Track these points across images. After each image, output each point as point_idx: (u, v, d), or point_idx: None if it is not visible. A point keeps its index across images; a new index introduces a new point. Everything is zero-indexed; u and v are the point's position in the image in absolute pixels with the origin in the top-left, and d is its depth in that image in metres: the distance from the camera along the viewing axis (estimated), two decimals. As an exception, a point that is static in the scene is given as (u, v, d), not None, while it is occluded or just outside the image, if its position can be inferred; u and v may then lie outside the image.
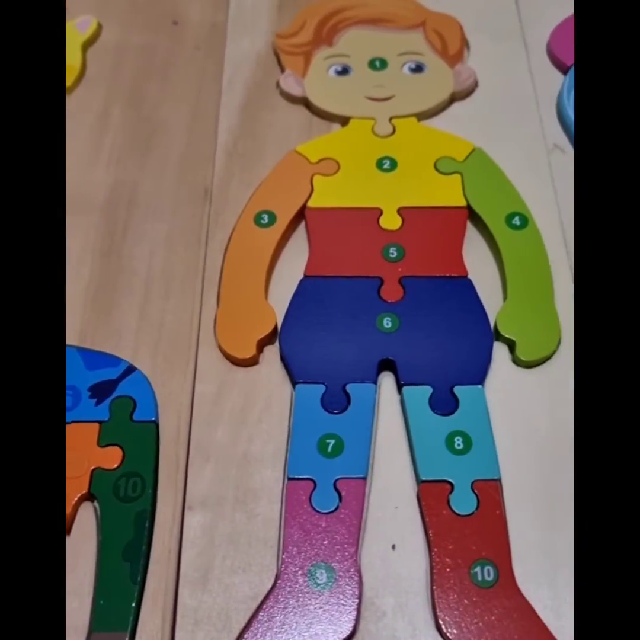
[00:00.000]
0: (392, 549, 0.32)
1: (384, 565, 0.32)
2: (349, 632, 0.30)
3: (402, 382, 0.35)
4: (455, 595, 0.31)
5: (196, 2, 0.50)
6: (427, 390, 0.35)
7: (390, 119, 0.43)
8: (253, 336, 0.36)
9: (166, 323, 0.38)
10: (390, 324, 0.37)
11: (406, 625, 0.31)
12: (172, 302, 0.38)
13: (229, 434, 0.35)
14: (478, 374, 0.35)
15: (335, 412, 0.35)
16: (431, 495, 0.33)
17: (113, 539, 0.32)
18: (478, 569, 0.31)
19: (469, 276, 0.38)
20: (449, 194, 0.40)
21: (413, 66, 0.45)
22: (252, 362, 0.36)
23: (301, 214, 0.40)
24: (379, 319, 0.37)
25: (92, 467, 0.34)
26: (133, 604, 0.31)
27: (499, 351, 0.36)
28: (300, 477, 0.33)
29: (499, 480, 0.33)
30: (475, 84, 0.45)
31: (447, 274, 0.38)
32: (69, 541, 0.32)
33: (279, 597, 0.31)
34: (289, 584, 0.31)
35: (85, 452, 0.34)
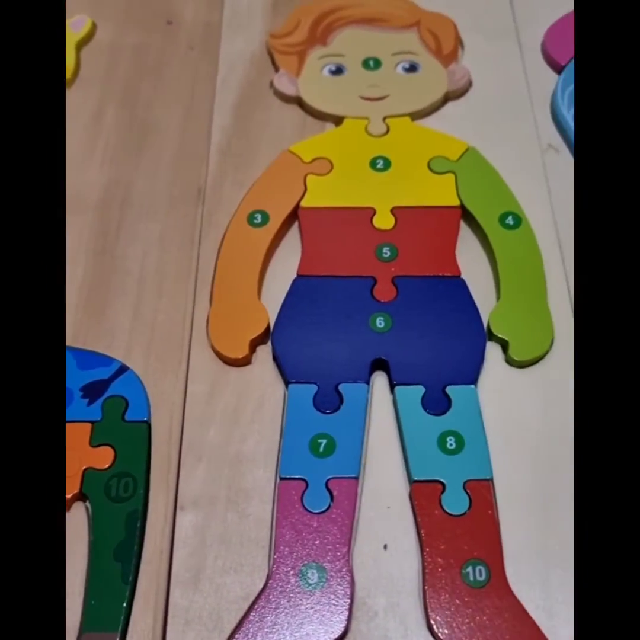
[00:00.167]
0: (384, 549, 0.32)
1: (375, 565, 0.32)
2: (340, 632, 0.30)
3: (395, 382, 0.35)
4: (447, 595, 0.31)
5: (190, 2, 0.50)
6: (420, 390, 0.35)
7: (384, 118, 0.43)
8: (246, 336, 0.36)
9: (159, 323, 0.38)
10: (383, 324, 0.37)
11: (398, 625, 0.31)
12: (165, 301, 0.38)
13: (221, 433, 0.35)
14: (471, 374, 0.35)
15: (328, 412, 0.35)
16: (423, 495, 0.33)
17: (104, 539, 0.32)
18: (470, 569, 0.31)
19: (463, 276, 0.38)
20: (442, 193, 0.40)
21: (407, 66, 0.45)
22: (245, 362, 0.36)
23: (294, 214, 0.40)
24: (372, 318, 0.37)
25: (84, 467, 0.33)
26: (124, 604, 0.31)
27: (492, 351, 0.36)
28: (292, 477, 0.33)
29: (491, 480, 0.33)
30: (469, 84, 0.45)
31: (440, 274, 0.38)
32: (60, 541, 0.32)
33: (271, 597, 0.31)
34: (280, 584, 0.31)
35: (77, 452, 0.34)
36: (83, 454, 0.34)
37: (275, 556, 0.32)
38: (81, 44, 0.48)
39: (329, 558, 0.32)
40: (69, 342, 0.37)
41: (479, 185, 0.41)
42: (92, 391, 0.35)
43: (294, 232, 0.40)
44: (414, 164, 0.41)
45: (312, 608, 0.31)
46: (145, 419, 0.35)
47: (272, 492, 0.33)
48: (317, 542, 0.32)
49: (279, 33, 0.47)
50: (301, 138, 0.43)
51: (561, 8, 0.47)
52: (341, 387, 0.35)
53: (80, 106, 0.45)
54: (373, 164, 0.42)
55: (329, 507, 0.32)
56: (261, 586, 0.31)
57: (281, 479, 0.33)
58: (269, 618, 0.31)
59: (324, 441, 0.34)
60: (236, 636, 0.30)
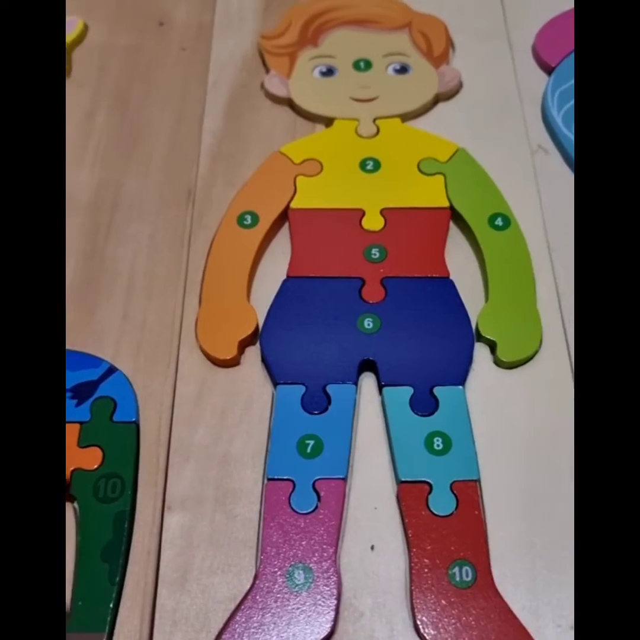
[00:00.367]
0: (371, 550, 0.32)
1: (362, 565, 0.32)
2: (327, 633, 0.30)
3: (383, 383, 0.35)
4: (433, 596, 0.31)
5: (182, 3, 0.50)
6: (408, 390, 0.35)
7: (374, 119, 0.43)
8: (234, 337, 0.36)
9: (148, 324, 0.38)
10: (371, 325, 0.37)
11: (384, 626, 0.31)
12: (154, 303, 0.38)
13: (210, 434, 0.35)
14: (458, 375, 0.35)
15: (316, 412, 0.35)
16: (410, 495, 0.33)
17: (92, 539, 0.32)
18: (456, 570, 0.31)
19: (452, 277, 0.38)
20: (432, 194, 0.40)
21: (398, 67, 0.45)
22: (233, 362, 0.36)
23: (284, 215, 0.40)
24: (360, 319, 0.37)
25: (72, 468, 0.33)
26: (111, 605, 0.31)
27: (481, 352, 0.36)
28: (280, 477, 0.33)
29: (478, 481, 0.33)
30: (460, 85, 0.45)
31: (429, 275, 0.38)
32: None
33: (257, 597, 0.31)
34: (267, 584, 0.31)
35: (65, 453, 0.34)
36: (71, 454, 0.34)
37: (262, 557, 0.32)
38: (73, 46, 0.48)
39: (315, 559, 0.32)
40: (58, 342, 0.37)
41: (468, 186, 0.41)
42: (81, 392, 0.35)
43: (283, 233, 0.40)
44: (404, 165, 0.41)
45: (298, 608, 0.31)
46: (133, 419, 0.35)
47: (260, 492, 0.33)
48: (304, 542, 0.32)
49: (270, 34, 0.47)
50: (292, 139, 0.43)
51: (551, 10, 0.47)
52: (329, 388, 0.35)
53: (71, 107, 0.45)
54: (363, 165, 0.42)
55: (316, 508, 0.33)
56: (248, 587, 0.31)
57: (269, 479, 0.33)
58: (255, 618, 0.31)
59: (311, 442, 0.34)
60: (223, 637, 0.30)
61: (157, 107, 0.45)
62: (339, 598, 0.31)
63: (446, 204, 0.40)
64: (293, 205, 0.40)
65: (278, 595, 0.31)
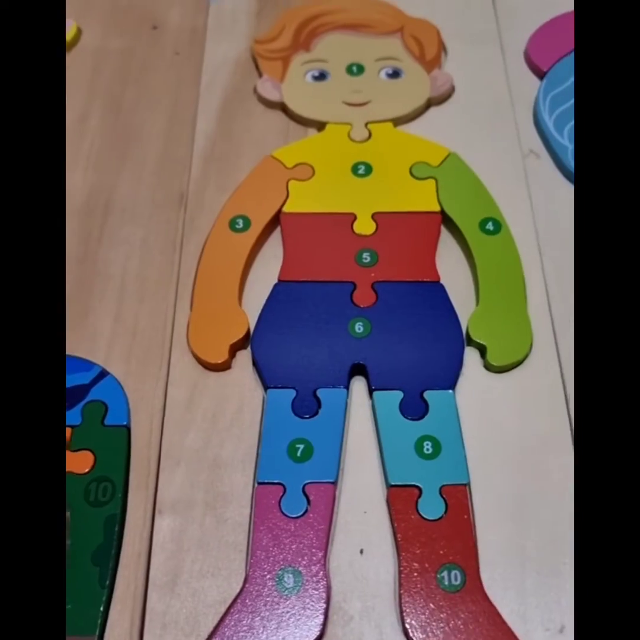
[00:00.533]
0: (360, 554, 0.32)
1: (351, 569, 0.32)
2: (316, 636, 0.30)
3: (373, 387, 0.35)
4: (422, 600, 0.31)
5: (176, 7, 0.50)
6: (398, 395, 0.35)
7: (366, 124, 0.43)
8: (225, 341, 0.36)
9: (140, 327, 0.38)
10: (362, 329, 0.37)
11: (373, 630, 0.31)
12: (146, 306, 0.39)
13: (201, 438, 0.35)
14: (448, 379, 0.35)
15: (306, 416, 0.35)
16: (400, 499, 0.33)
17: (82, 543, 0.32)
18: (445, 574, 0.31)
19: (443, 281, 0.38)
20: (423, 199, 0.41)
21: (390, 71, 0.45)
22: (224, 366, 0.36)
23: (276, 219, 0.41)
24: (351, 323, 0.37)
25: (63, 472, 0.34)
26: (101, 608, 0.31)
27: (471, 356, 0.37)
28: (270, 481, 0.33)
29: (468, 485, 0.33)
30: (452, 90, 0.45)
31: (420, 279, 0.38)
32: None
33: (247, 601, 0.31)
34: (256, 588, 0.31)
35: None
36: (62, 458, 0.34)
37: (251, 560, 0.32)
38: (66, 49, 0.48)
39: (305, 562, 0.32)
40: (50, 346, 0.37)
41: (459, 190, 0.41)
42: (72, 396, 0.36)
43: (275, 238, 0.41)
44: (396, 170, 0.42)
45: (288, 612, 0.31)
46: (124, 423, 0.35)
47: (250, 496, 0.33)
48: (293, 546, 0.32)
49: (263, 38, 0.47)
50: (284, 143, 0.44)
51: (544, 14, 0.47)
52: (319, 392, 0.35)
53: (64, 111, 0.45)
54: (355, 169, 0.42)
55: (305, 512, 0.33)
56: (238, 590, 0.32)
57: (259, 483, 0.33)
58: (245, 622, 0.31)
59: (301, 446, 0.34)
60: (212, 640, 0.31)
61: (150, 111, 0.46)
62: (328, 602, 0.31)
63: (437, 208, 0.40)
64: (285, 209, 0.41)
65: (267, 599, 0.31)
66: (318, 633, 0.30)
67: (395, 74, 0.45)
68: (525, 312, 0.37)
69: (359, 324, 0.37)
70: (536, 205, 0.41)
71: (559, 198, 0.41)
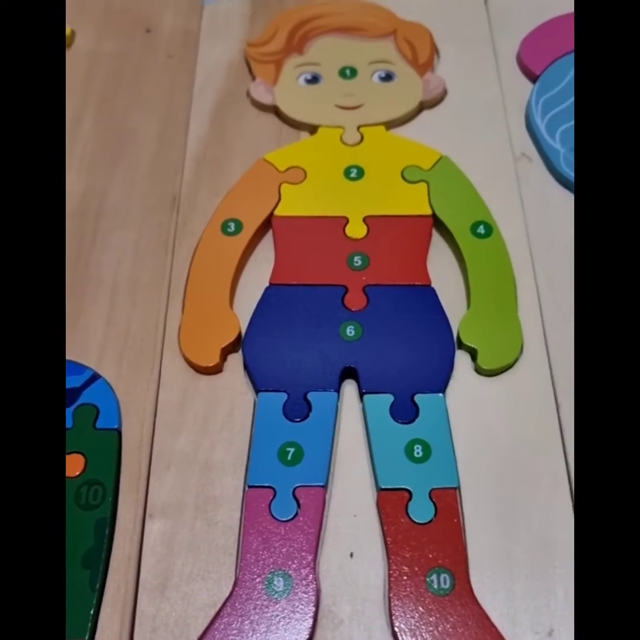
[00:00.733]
0: (350, 557, 0.32)
1: (341, 572, 0.32)
2: (305, 640, 0.31)
3: (364, 390, 0.35)
4: (412, 603, 0.31)
5: (169, 10, 0.50)
6: (388, 398, 0.35)
7: (359, 127, 0.43)
8: (216, 344, 0.36)
9: (131, 330, 0.38)
10: (353, 332, 0.37)
11: (362, 633, 0.31)
12: (138, 309, 0.39)
13: (192, 441, 0.35)
14: (439, 383, 0.36)
15: (297, 420, 0.35)
16: (389, 503, 0.33)
17: (73, 546, 0.32)
18: (434, 577, 0.31)
19: (434, 284, 0.38)
20: (414, 202, 0.41)
21: (383, 75, 0.45)
22: (216, 370, 0.36)
23: (268, 222, 0.41)
24: (342, 327, 0.37)
25: (54, 475, 0.34)
26: (91, 611, 0.31)
27: (461, 359, 0.37)
28: (260, 485, 0.33)
29: (457, 488, 0.33)
30: (444, 93, 0.45)
31: (411, 283, 0.38)
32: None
33: (237, 604, 0.31)
34: (246, 591, 0.31)
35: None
36: (53, 461, 0.34)
37: (241, 563, 0.32)
38: (60, 52, 0.48)
39: (295, 566, 0.32)
40: (42, 349, 0.37)
41: (451, 194, 0.41)
42: (64, 399, 0.36)
43: (267, 241, 0.41)
44: (387, 173, 0.42)
45: (277, 615, 0.31)
46: (115, 427, 0.35)
47: (241, 500, 0.34)
48: (283, 550, 0.32)
49: (257, 42, 0.47)
50: (277, 146, 0.44)
51: (537, 18, 0.47)
52: (310, 396, 0.35)
53: (57, 114, 0.45)
54: (347, 172, 0.42)
55: (296, 515, 0.33)
56: (228, 594, 0.32)
57: (249, 486, 0.33)
58: (234, 625, 0.31)
59: (292, 449, 0.34)
60: (202, 643, 0.31)
61: (143, 114, 0.46)
62: (317, 605, 0.31)
63: (429, 211, 0.40)
64: (277, 212, 0.41)
65: (257, 602, 0.31)
66: (307, 636, 0.31)
67: (388, 77, 0.45)
68: (516, 315, 0.37)
69: (350, 327, 0.37)
70: (528, 209, 0.41)
71: (551, 201, 0.41)
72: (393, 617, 0.31)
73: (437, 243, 0.40)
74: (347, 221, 0.40)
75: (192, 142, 0.44)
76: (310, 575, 0.32)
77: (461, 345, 0.37)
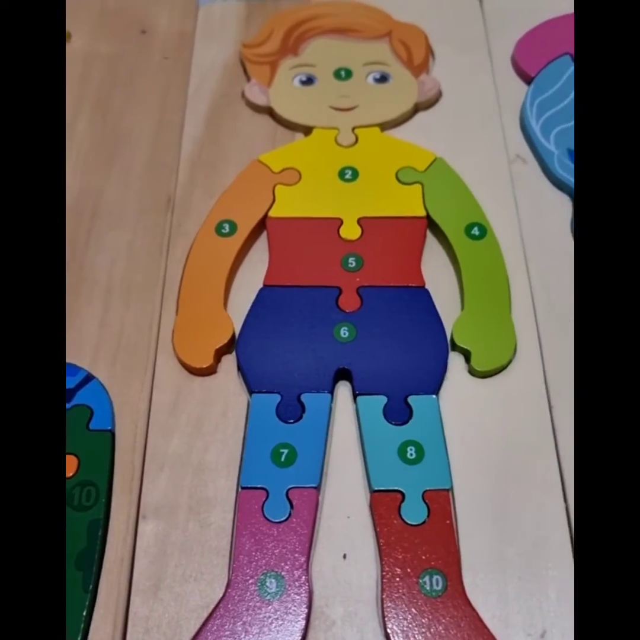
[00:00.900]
0: (343, 558, 0.32)
1: (334, 574, 0.32)
2: (297, 641, 0.31)
3: (357, 392, 0.35)
4: (404, 605, 0.31)
5: (164, 12, 0.50)
6: (382, 399, 0.35)
7: (354, 128, 0.43)
8: (210, 345, 0.36)
9: (125, 332, 0.38)
10: (347, 334, 0.37)
11: (355, 634, 0.31)
12: (131, 310, 0.39)
13: (185, 442, 0.35)
14: (432, 384, 0.36)
15: (290, 421, 0.35)
16: (382, 504, 0.33)
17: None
18: (427, 579, 0.31)
19: (428, 286, 0.38)
20: (409, 204, 0.41)
21: (378, 76, 0.45)
22: (209, 371, 0.36)
23: (262, 224, 0.41)
24: (336, 328, 0.37)
25: (47, 476, 0.34)
26: (84, 613, 0.31)
27: (455, 361, 0.37)
28: (253, 486, 0.33)
29: (450, 490, 0.33)
30: (439, 95, 0.45)
31: (405, 284, 0.38)
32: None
33: (229, 606, 0.31)
34: (239, 592, 0.31)
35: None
36: (46, 462, 0.34)
37: (234, 565, 0.32)
38: (55, 53, 0.48)
39: (287, 567, 0.32)
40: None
41: (445, 195, 0.41)
42: (57, 400, 0.36)
43: (262, 242, 0.41)
44: (382, 175, 0.42)
45: (270, 617, 0.31)
46: (109, 428, 0.35)
47: (234, 501, 0.34)
48: (276, 551, 0.32)
49: (252, 43, 0.47)
50: (272, 148, 0.44)
51: (532, 20, 0.47)
52: (304, 397, 0.35)
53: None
54: (341, 174, 0.42)
55: (289, 517, 0.33)
56: (221, 595, 0.32)
57: (242, 488, 0.33)
58: (227, 627, 0.31)
59: (285, 451, 0.34)
60: (194, 645, 0.31)
61: (138, 115, 0.46)
62: (310, 607, 0.31)
63: (423, 213, 0.40)
64: (271, 214, 0.41)
65: (250, 604, 0.31)
66: (300, 638, 0.31)
67: (382, 79, 0.45)
68: (510, 317, 0.37)
69: (344, 328, 0.37)
70: (522, 211, 0.41)
71: (545, 203, 0.41)
72: (385, 619, 0.31)
73: (432, 244, 0.40)
74: (342, 222, 0.40)
75: (186, 143, 0.44)
76: (303, 577, 0.32)
77: (455, 347, 0.37)
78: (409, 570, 0.32)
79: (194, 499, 0.34)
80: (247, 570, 0.32)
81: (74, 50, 0.48)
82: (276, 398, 0.35)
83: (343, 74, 0.46)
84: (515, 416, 0.35)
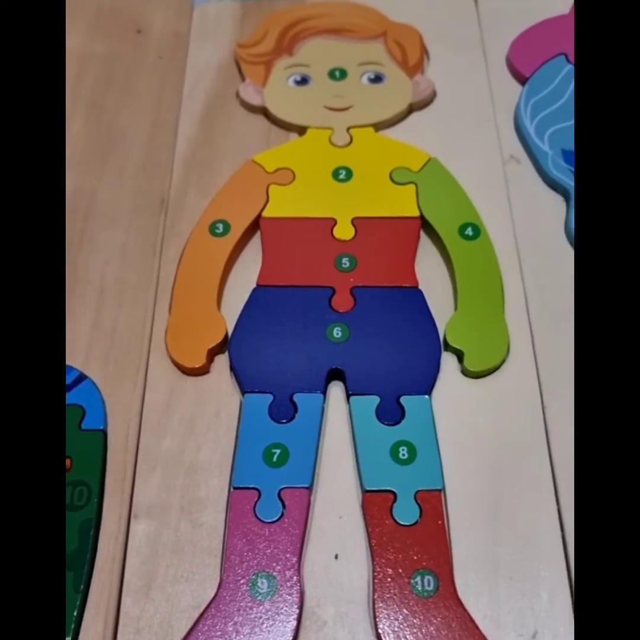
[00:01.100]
0: (335, 559, 0.32)
1: (326, 574, 0.32)
2: (289, 642, 0.31)
3: (350, 392, 0.35)
4: (396, 605, 0.31)
5: (160, 11, 0.50)
6: (374, 400, 0.35)
7: (348, 128, 0.43)
8: (203, 345, 0.36)
9: (118, 331, 0.38)
10: (340, 334, 0.37)
11: (346, 635, 0.31)
12: (125, 310, 0.39)
13: (177, 442, 0.35)
14: (425, 385, 0.36)
15: (283, 421, 0.35)
16: (374, 505, 0.33)
17: (57, 547, 0.32)
18: (418, 579, 0.31)
19: (422, 286, 0.38)
20: (403, 204, 0.41)
21: (372, 76, 0.45)
22: (202, 371, 0.36)
23: (256, 224, 0.41)
24: (329, 328, 0.37)
25: (39, 476, 0.34)
26: (75, 613, 0.31)
27: (448, 361, 0.37)
28: (245, 486, 0.33)
29: (442, 490, 0.33)
30: (434, 95, 0.45)
31: (398, 285, 0.38)
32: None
33: (220, 606, 0.31)
34: (230, 593, 0.31)
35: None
36: (38, 462, 0.34)
37: (226, 565, 0.32)
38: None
39: (279, 567, 0.32)
40: (28, 350, 0.37)
41: (439, 196, 0.41)
42: (50, 399, 0.35)
43: (255, 242, 0.41)
44: (376, 175, 0.42)
45: (261, 617, 0.31)
46: (101, 428, 0.35)
47: (226, 501, 0.34)
48: (268, 551, 0.32)
49: (247, 43, 0.47)
50: (266, 148, 0.44)
51: (526, 21, 0.47)
52: (296, 397, 0.35)
53: (47, 114, 0.45)
54: (335, 174, 0.42)
55: (280, 517, 0.33)
56: (212, 595, 0.32)
57: (234, 488, 0.33)
58: (218, 627, 0.31)
59: (277, 451, 0.34)
60: (185, 645, 0.31)
61: (132, 115, 0.46)
62: (301, 607, 0.31)
63: (417, 213, 0.40)
64: (265, 214, 0.41)
65: (241, 604, 0.31)
66: (291, 638, 0.30)
67: (377, 79, 0.45)
68: (503, 317, 0.37)
69: (337, 329, 0.37)
70: (516, 211, 0.41)
71: (539, 204, 0.41)
72: (377, 619, 0.31)
73: (425, 245, 0.40)
74: (335, 222, 0.40)
75: (181, 143, 0.44)
76: (295, 577, 0.32)
77: (447, 347, 0.37)
78: (400, 570, 0.32)
79: (186, 499, 0.34)
80: (239, 571, 0.32)
81: (69, 49, 0.48)
82: (269, 398, 0.35)
83: (338, 74, 0.46)
84: (508, 416, 0.35)
